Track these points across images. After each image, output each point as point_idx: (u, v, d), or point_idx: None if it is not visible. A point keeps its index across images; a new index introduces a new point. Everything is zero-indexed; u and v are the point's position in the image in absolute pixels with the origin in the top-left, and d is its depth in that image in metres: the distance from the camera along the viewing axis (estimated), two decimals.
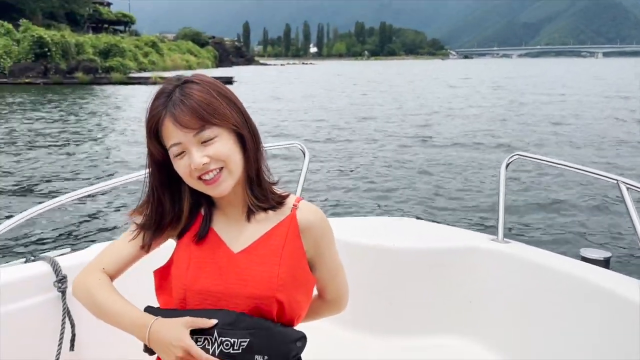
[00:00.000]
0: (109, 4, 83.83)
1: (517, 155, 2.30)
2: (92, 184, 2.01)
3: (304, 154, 2.50)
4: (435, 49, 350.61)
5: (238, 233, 1.20)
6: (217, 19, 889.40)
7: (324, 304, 1.36)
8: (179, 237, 1.23)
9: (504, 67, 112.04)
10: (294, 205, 1.22)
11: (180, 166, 1.10)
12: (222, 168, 1.11)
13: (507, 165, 2.29)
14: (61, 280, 1.68)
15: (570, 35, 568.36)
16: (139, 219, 1.21)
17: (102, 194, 7.86)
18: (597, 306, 1.78)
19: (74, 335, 1.71)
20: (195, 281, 1.15)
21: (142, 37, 70.32)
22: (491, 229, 2.39)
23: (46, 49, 41.07)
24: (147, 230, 1.20)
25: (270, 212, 1.20)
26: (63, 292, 1.67)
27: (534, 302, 2.02)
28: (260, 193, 1.18)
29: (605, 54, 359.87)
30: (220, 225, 1.21)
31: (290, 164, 9.40)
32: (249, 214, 1.20)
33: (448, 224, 3.08)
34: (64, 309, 1.66)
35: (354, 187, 9.15)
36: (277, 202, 1.21)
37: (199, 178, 1.10)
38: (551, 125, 16.80)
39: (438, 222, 2.95)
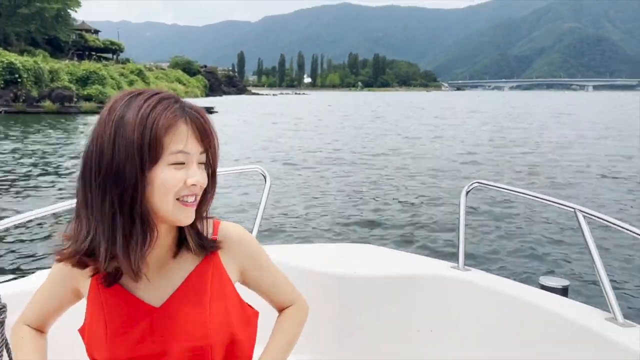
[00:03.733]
0: (96, 32, 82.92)
1: (477, 183, 2.33)
2: (31, 210, 1.93)
3: (265, 179, 2.45)
4: (427, 80, 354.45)
5: (158, 281, 1.07)
6: (216, 49, 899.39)
7: (284, 314, 1.26)
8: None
9: (493, 98, 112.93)
10: (213, 237, 1.11)
11: (174, 177, 0.96)
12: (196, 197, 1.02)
13: (467, 192, 2.32)
14: (0, 310, 1.58)
15: (560, 69, 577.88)
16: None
17: (44, 220, 7.45)
18: (556, 334, 1.81)
19: None
20: (118, 351, 1.03)
21: (128, 65, 69.10)
22: (452, 257, 2.27)
23: (16, 75, 39.25)
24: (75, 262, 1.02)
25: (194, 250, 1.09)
26: (1, 323, 1.56)
27: (494, 331, 2.03)
28: (201, 231, 1.09)
29: (596, 87, 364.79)
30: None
31: (249, 189, 10.07)
32: (177, 254, 1.08)
33: (408, 251, 2.85)
34: (2, 340, 1.56)
35: (314, 213, 9.07)
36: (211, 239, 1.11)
37: (179, 199, 0.98)
38: (519, 155, 16.93)
39: (398, 249, 2.80)
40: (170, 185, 0.96)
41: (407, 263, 2.37)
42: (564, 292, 2.22)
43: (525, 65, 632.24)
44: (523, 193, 2.25)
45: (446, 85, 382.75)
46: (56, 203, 1.93)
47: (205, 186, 1.02)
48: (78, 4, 65.80)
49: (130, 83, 62.66)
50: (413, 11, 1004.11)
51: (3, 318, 1.55)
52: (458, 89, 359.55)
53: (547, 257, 6.66)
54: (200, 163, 1.01)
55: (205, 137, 1.00)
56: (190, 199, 0.99)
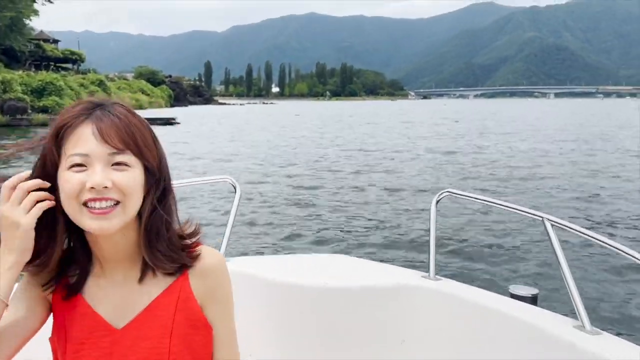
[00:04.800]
0: (55, 41, 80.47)
1: (447, 192, 2.32)
2: None
3: (235, 189, 2.42)
4: (394, 89, 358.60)
5: (122, 300, 1.01)
6: (182, 59, 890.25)
7: None
8: (53, 291, 1.03)
9: (459, 106, 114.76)
10: (188, 258, 1.04)
11: (70, 180, 0.92)
12: (117, 203, 0.94)
13: (437, 202, 2.32)
14: None
15: (523, 77, 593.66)
16: None
17: None
18: (526, 343, 1.82)
19: None
20: None
21: (89, 76, 67.22)
22: (423, 266, 2.30)
23: None
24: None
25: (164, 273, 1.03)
26: None
27: (465, 340, 2.04)
28: (168, 249, 1.01)
29: (557, 95, 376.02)
30: (97, 290, 1.02)
31: (219, 200, 10.03)
32: (144, 275, 1.02)
33: (380, 261, 2.80)
34: None
35: (284, 224, 9.03)
36: (190, 258, 1.04)
37: (85, 204, 0.92)
38: (488, 164, 17.06)
39: (370, 260, 2.77)
40: (68, 189, 0.92)
41: (378, 273, 2.37)
42: (533, 300, 2.23)
43: (489, 74, 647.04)
44: (492, 202, 2.24)
45: (413, 94, 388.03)
46: None
47: (122, 189, 0.93)
48: (34, 13, 63.60)
49: (91, 94, 60.79)
50: (379, 21, 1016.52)
51: None
52: (424, 97, 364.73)
53: (517, 266, 6.69)
54: (114, 164, 0.94)
55: (112, 137, 0.93)
56: (99, 204, 0.92)
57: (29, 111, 40.04)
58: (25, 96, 41.38)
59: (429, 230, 2.29)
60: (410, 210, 9.94)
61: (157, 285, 1.02)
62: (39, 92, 44.26)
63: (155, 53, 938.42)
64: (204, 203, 10.42)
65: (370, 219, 9.29)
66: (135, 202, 0.96)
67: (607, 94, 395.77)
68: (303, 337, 2.22)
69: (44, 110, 41.89)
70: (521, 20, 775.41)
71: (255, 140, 26.90)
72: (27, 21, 64.20)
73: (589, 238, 1.86)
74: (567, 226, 1.91)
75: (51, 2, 67.70)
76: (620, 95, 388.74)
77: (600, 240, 1.83)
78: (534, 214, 2.05)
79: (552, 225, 1.92)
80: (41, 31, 78.85)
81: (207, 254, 1.06)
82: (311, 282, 2.23)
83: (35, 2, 65.02)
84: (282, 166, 16.68)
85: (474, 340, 2.00)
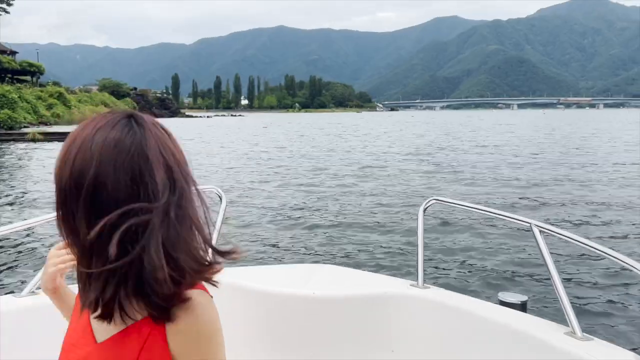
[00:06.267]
0: (13, 53, 77.74)
1: (434, 200, 2.32)
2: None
3: (221, 199, 2.40)
4: (363, 101, 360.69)
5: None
6: (149, 71, 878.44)
7: None
8: None
9: (429, 117, 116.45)
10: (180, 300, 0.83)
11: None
12: None
13: (425, 209, 2.30)
14: None
15: (487, 89, 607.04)
16: None
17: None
18: (516, 350, 1.81)
19: None
20: None
21: (47, 88, 65.01)
22: (411, 275, 2.34)
23: None
24: None
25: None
26: None
27: (455, 348, 2.02)
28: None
29: (520, 105, 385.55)
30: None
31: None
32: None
33: (368, 270, 2.85)
34: None
35: (270, 234, 8.98)
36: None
37: None
38: (469, 169, 17.33)
39: (358, 269, 2.81)
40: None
41: (367, 282, 2.35)
42: (522, 307, 2.22)
43: (454, 86, 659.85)
44: (480, 209, 2.23)
45: (381, 105, 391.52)
46: (30, 218, 1.91)
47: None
48: None
49: (49, 107, 58.68)
50: (346, 34, 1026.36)
51: None
52: (392, 109, 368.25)
53: (506, 273, 6.64)
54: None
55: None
56: None
57: None
58: None
59: (416, 238, 2.26)
60: (397, 219, 9.85)
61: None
62: None
63: (122, 66, 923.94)
64: None
65: (357, 229, 9.21)
66: None
67: (568, 105, 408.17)
68: (291, 347, 2.18)
69: None
70: (484, 33, 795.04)
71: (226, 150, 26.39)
72: None
73: (578, 244, 1.84)
74: (555, 232, 1.89)
75: (7, 13, 65.37)
76: (580, 106, 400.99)
77: (589, 246, 1.81)
78: (522, 220, 2.02)
79: (541, 231, 1.90)
80: None
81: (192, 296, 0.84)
82: (299, 292, 2.19)
83: None
84: (264, 176, 16.61)
85: (464, 348, 1.97)
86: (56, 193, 0.81)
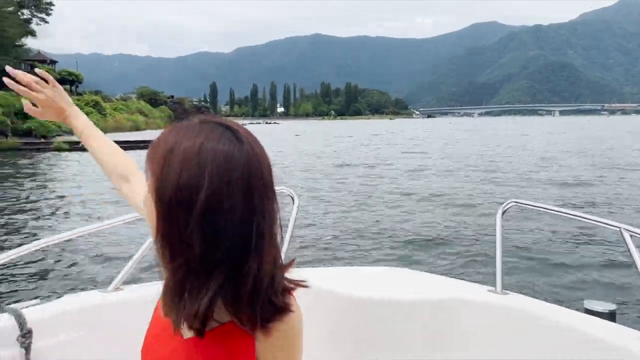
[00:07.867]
0: (52, 62, 78.85)
1: (513, 203, 2.23)
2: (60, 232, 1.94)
3: (293, 200, 2.34)
4: (399, 108, 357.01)
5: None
6: (188, 80, 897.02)
7: None
8: None
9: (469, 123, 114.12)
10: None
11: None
12: None
13: (503, 212, 2.21)
14: (25, 335, 1.50)
15: (527, 94, 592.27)
16: None
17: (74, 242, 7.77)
18: None
19: None
20: None
21: (84, 97, 65.28)
22: (489, 280, 2.23)
23: None
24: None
25: None
26: (27, 348, 1.51)
27: (535, 358, 1.90)
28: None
29: (562, 112, 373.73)
30: None
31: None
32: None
33: (444, 275, 2.74)
34: None
35: (345, 236, 8.88)
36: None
37: None
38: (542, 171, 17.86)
39: (434, 273, 2.73)
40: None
41: (443, 287, 2.28)
42: (611, 316, 2.11)
43: (493, 92, 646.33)
44: (563, 212, 2.13)
45: (417, 112, 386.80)
46: (75, 228, 1.97)
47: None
48: (30, 34, 61.97)
49: (86, 115, 58.69)
50: (382, 41, 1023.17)
51: (29, 343, 1.50)
52: (429, 116, 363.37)
53: (592, 280, 6.38)
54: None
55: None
56: None
57: (10, 134, 37.60)
58: (6, 118, 39.01)
59: (495, 242, 2.15)
60: (474, 222, 9.68)
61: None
62: (24, 113, 41.89)
63: (162, 74, 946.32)
64: None
65: (433, 232, 9.06)
66: None
67: (612, 111, 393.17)
68: (364, 349, 2.13)
69: (28, 133, 39.53)
70: (524, 38, 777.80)
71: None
72: (24, 41, 62.58)
73: None
74: None
75: (46, 22, 66.00)
76: (625, 112, 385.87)
77: None
78: (610, 225, 1.92)
79: (631, 235, 1.80)
80: (39, 52, 77.32)
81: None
82: (373, 294, 2.13)
83: (30, 22, 63.47)
84: (338, 177, 17.19)
85: (545, 358, 1.86)
86: (157, 207, 0.78)
